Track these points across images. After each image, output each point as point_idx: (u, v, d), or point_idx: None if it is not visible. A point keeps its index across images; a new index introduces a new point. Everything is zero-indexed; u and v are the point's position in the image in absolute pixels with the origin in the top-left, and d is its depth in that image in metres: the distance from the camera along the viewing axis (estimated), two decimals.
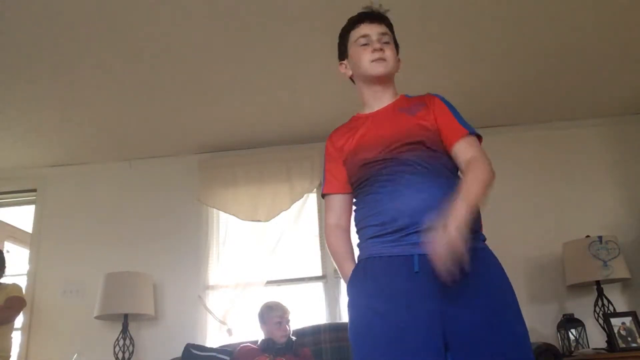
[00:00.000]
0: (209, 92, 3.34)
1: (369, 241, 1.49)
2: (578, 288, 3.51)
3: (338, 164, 1.64)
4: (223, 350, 3.21)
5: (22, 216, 4.52)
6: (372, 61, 1.59)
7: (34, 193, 4.17)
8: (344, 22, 1.71)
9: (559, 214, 3.72)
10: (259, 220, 3.81)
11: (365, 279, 1.46)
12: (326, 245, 1.68)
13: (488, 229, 4.22)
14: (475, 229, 1.42)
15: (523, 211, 3.74)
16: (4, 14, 2.53)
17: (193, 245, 3.86)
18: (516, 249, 3.63)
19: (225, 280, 3.75)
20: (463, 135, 1.50)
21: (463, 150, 1.49)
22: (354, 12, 1.67)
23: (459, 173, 1.53)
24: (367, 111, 1.67)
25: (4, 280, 3.46)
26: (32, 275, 3.91)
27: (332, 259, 1.67)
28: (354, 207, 1.62)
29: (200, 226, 3.91)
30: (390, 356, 1.33)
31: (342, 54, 1.71)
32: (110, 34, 2.74)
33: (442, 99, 1.61)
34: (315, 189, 3.88)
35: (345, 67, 1.71)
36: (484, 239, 1.49)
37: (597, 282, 3.35)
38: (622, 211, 3.71)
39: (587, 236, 3.38)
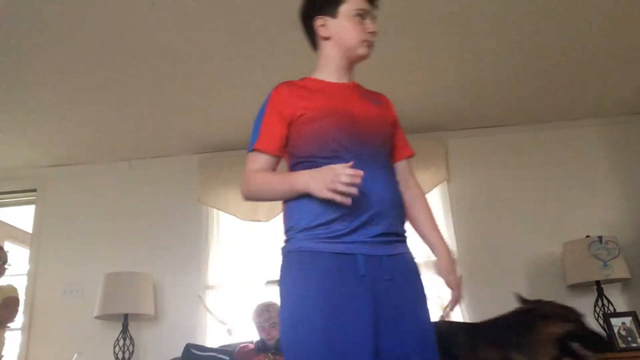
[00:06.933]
0: (208, 92, 3.34)
1: (308, 233, 1.40)
2: (578, 288, 3.51)
3: (282, 122, 1.49)
4: (223, 350, 3.21)
5: (22, 216, 4.52)
6: (364, 41, 1.55)
7: (34, 193, 4.17)
8: None
9: (559, 214, 3.71)
10: (259, 220, 3.81)
11: (309, 275, 1.35)
12: (247, 191, 1.57)
13: (489, 229, 4.19)
14: (405, 235, 1.52)
15: (523, 211, 3.73)
16: (4, 15, 2.53)
17: (193, 245, 3.86)
18: (516, 249, 3.63)
19: (225, 280, 3.75)
20: (410, 155, 1.65)
21: (408, 170, 1.64)
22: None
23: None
24: (321, 78, 1.59)
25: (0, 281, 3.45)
26: (32, 275, 3.91)
27: (260, 194, 1.57)
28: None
29: (200, 226, 3.91)
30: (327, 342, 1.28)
31: (328, 11, 1.57)
32: (110, 34, 2.74)
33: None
34: None
35: (325, 26, 1.58)
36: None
37: (597, 282, 3.35)
38: (622, 211, 3.71)
39: (587, 236, 3.37)
